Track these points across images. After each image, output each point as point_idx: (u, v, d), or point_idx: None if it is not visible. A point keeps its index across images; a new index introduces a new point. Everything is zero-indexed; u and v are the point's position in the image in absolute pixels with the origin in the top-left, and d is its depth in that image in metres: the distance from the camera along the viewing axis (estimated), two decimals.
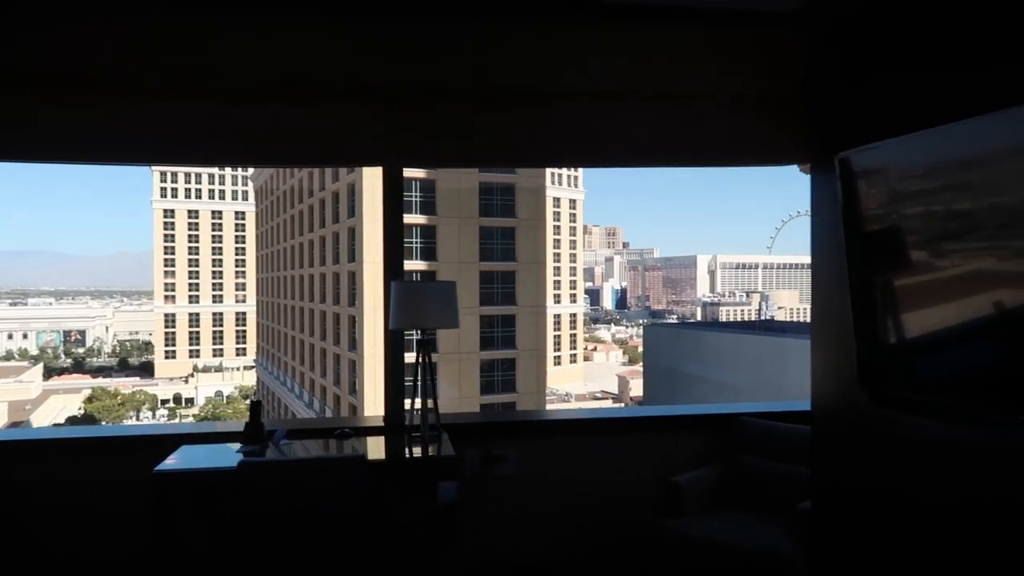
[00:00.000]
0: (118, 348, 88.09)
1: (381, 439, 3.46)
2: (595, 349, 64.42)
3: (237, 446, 3.17)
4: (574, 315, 55.94)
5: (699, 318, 71.68)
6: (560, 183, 58.63)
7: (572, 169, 55.87)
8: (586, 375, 56.62)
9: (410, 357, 3.54)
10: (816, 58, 2.62)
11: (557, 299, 54.33)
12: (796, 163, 3.75)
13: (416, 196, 33.16)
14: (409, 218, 33.04)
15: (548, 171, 49.96)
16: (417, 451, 3.20)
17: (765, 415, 3.79)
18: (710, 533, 3.19)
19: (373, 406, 28.87)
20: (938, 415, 2.05)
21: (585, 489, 3.67)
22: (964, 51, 1.95)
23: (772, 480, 3.48)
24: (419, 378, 3.28)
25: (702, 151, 3.66)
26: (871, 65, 2.34)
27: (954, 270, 1.94)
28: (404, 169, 3.64)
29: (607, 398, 52.60)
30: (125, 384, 65.53)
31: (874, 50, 2.32)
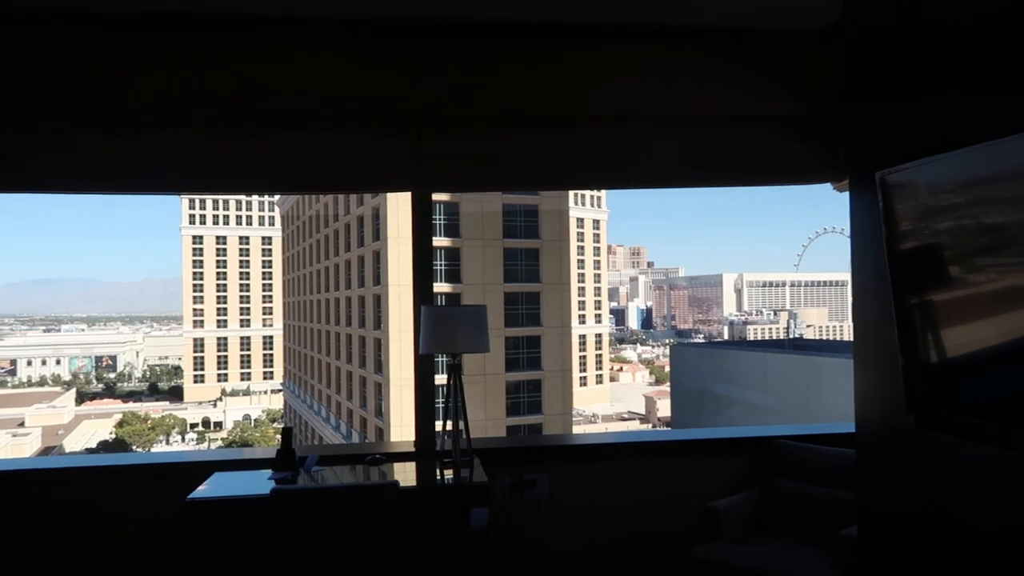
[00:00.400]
0: (148, 373, 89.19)
1: (412, 465, 3.43)
2: (621, 369, 63.99)
3: (269, 473, 3.16)
4: (599, 335, 55.66)
5: (726, 337, 70.99)
6: (583, 204, 58.65)
7: (595, 190, 55.91)
8: (612, 396, 56.17)
9: (439, 379, 3.52)
10: (853, 74, 2.57)
11: (582, 319, 54.15)
12: (830, 181, 3.70)
13: (440, 219, 33.34)
14: (434, 241, 33.17)
15: (571, 192, 50.03)
16: (449, 476, 3.16)
17: (802, 438, 3.70)
18: (750, 561, 3.11)
19: (399, 428, 28.85)
20: (986, 439, 1.98)
21: (616, 514, 3.60)
22: (1004, 66, 1.90)
23: (812, 505, 3.39)
24: (450, 402, 3.26)
25: (734, 171, 3.62)
26: (910, 81, 2.29)
27: (1004, 285, 1.88)
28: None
29: (634, 419, 52.14)
30: (155, 408, 66.23)
31: (912, 66, 2.27)
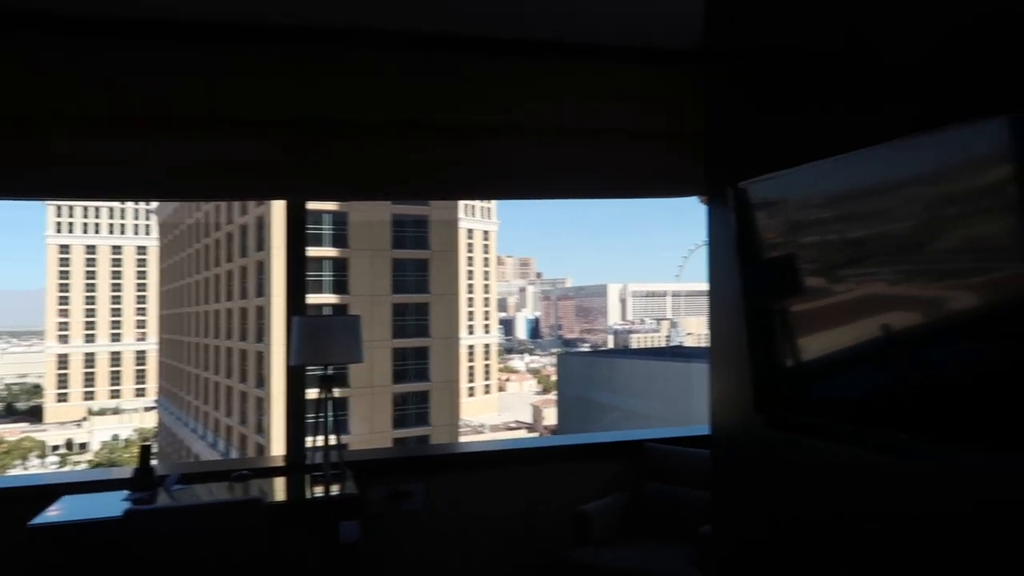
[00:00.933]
0: (5, 392, 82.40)
1: (282, 480, 3.33)
2: (508, 379, 64.50)
3: (125, 493, 2.99)
4: (488, 346, 55.92)
5: (611, 345, 72.90)
6: (474, 215, 58.87)
7: (485, 201, 56.26)
8: (500, 406, 56.48)
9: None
10: (714, 92, 2.71)
11: (471, 330, 54.20)
12: (697, 194, 3.87)
13: (328, 229, 32.64)
14: (320, 251, 32.44)
15: (461, 203, 50.12)
16: (319, 490, 3.09)
17: (671, 440, 3.85)
18: (617, 562, 3.20)
19: (281, 445, 27.86)
20: (831, 436, 2.12)
21: (494, 522, 3.63)
22: (854, 86, 2.05)
23: (678, 506, 3.53)
24: (322, 415, 3.19)
25: (611, 183, 3.73)
26: (766, 99, 2.44)
27: (846, 295, 2.02)
28: (316, 202, 3.55)
29: (521, 428, 52.56)
30: (11, 431, 61.22)
31: (769, 85, 2.42)
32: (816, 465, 2.21)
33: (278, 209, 30.35)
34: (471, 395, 50.54)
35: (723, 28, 2.67)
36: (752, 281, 2.33)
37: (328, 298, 31.91)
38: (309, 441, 3.36)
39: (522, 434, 48.39)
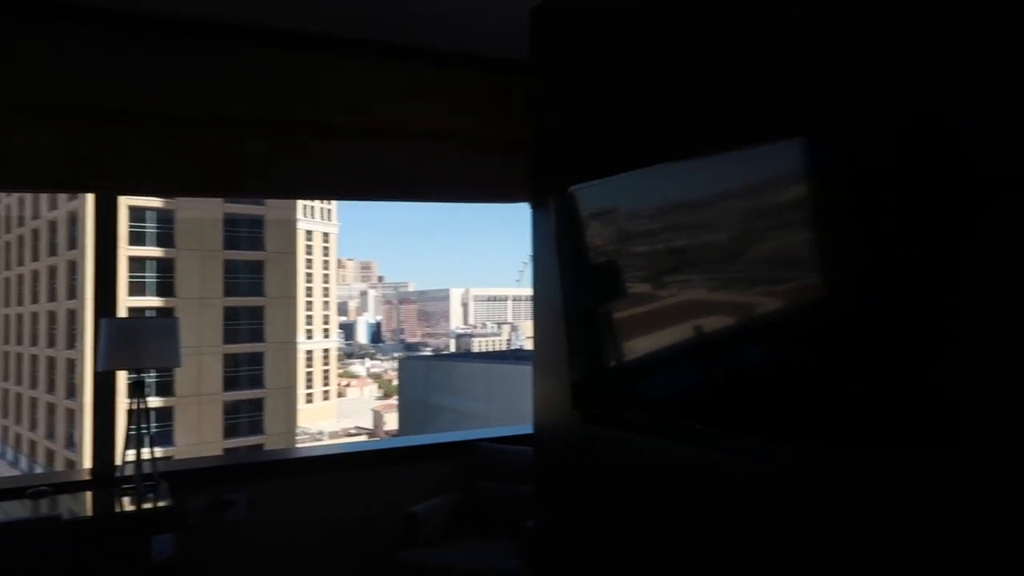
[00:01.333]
0: None
1: (89, 494, 3.10)
2: (349, 385, 63.20)
3: None
4: (327, 350, 54.52)
5: (453, 349, 73.30)
6: (313, 216, 57.18)
7: (325, 202, 54.82)
8: (341, 411, 55.20)
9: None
10: (538, 100, 2.82)
11: (309, 335, 52.61)
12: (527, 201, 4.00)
13: (152, 227, 30.56)
14: (143, 250, 30.32)
15: (300, 203, 48.53)
16: (130, 504, 2.90)
17: (501, 440, 3.95)
18: (444, 560, 3.24)
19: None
20: (644, 431, 2.26)
21: (325, 528, 3.56)
22: (674, 100, 2.19)
23: (506, 503, 3.63)
24: (133, 422, 3.00)
25: (447, 188, 3.78)
26: (587, 109, 2.57)
27: (665, 301, 2.14)
28: (140, 198, 3.34)
29: (362, 434, 51.65)
30: None
31: (590, 95, 2.55)
32: (629, 458, 2.35)
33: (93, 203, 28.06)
34: (309, 401, 49.02)
35: (548, 38, 2.79)
36: (572, 285, 2.45)
37: (152, 301, 29.87)
38: (132, 454, 3.14)
39: (363, 440, 47.55)
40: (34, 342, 34.49)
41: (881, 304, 1.53)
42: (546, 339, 2.72)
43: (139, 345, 3.00)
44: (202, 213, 32.08)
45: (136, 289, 30.00)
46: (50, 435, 32.12)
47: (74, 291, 30.32)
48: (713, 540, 2.01)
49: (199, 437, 29.44)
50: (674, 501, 2.15)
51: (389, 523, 3.60)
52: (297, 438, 36.60)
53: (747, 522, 1.91)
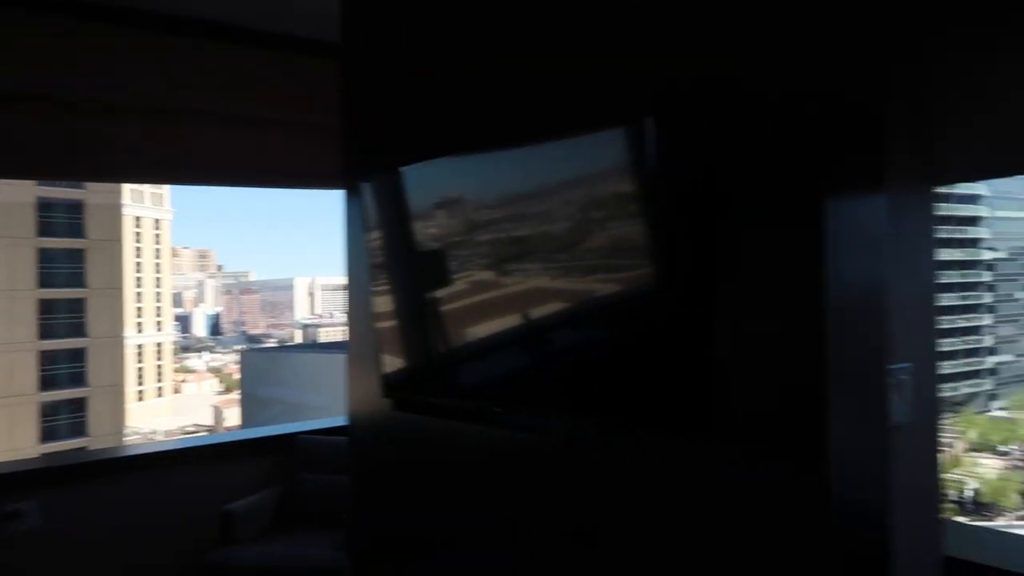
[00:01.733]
0: None
1: None
2: (185, 380, 59.75)
3: None
4: (160, 344, 51.23)
5: (299, 340, 71.00)
6: (142, 201, 53.35)
7: (157, 186, 51.29)
8: (177, 408, 52.12)
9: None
10: (351, 85, 2.77)
11: (140, 328, 49.20)
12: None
13: None
14: None
15: (128, 188, 45.12)
16: None
17: (324, 431, 3.87)
18: (261, 559, 3.15)
19: None
20: (452, 416, 2.28)
21: (134, 535, 3.34)
22: (493, 85, 2.19)
23: (329, 494, 3.57)
24: None
25: (264, 173, 3.66)
26: (398, 94, 2.54)
27: (457, 290, 2.15)
28: None
29: (201, 431, 49.04)
30: None
31: (401, 81, 2.52)
32: (441, 443, 2.37)
33: None
34: (141, 399, 45.94)
35: (360, 17, 2.74)
36: (383, 273, 2.42)
37: None
38: None
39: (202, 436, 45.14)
40: None
41: (659, 294, 1.62)
42: (359, 329, 2.68)
43: None
44: (9, 196, 29.10)
45: None
46: None
47: None
48: (520, 517, 2.07)
49: (9, 443, 26.80)
50: (480, 482, 2.20)
51: (204, 524, 3.44)
52: (128, 438, 34.20)
53: (551, 498, 1.98)
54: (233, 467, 3.70)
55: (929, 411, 1.71)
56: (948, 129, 1.82)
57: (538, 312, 1.91)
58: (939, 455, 1.81)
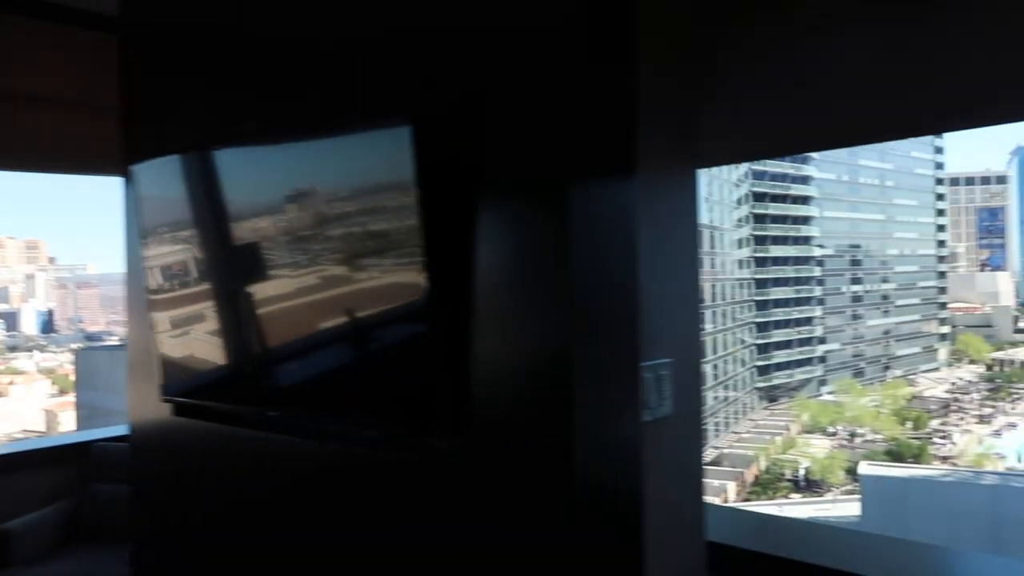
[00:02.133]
0: None
1: None
2: (13, 383, 54.74)
3: None
4: None
5: None
6: None
7: None
8: (3, 414, 47.70)
9: None
10: (131, 63, 2.56)
11: None
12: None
13: None
14: None
15: None
16: None
17: (122, 438, 3.60)
18: None
19: None
20: (223, 419, 2.15)
21: None
22: (273, 74, 2.06)
23: (123, 506, 3.32)
24: None
25: (32, 157, 3.33)
26: (170, 79, 2.37)
27: (208, 291, 2.01)
28: None
29: (30, 438, 45.16)
30: None
31: (181, 63, 2.35)
32: (219, 449, 2.24)
33: None
34: None
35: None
36: (150, 271, 2.26)
37: None
38: None
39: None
40: None
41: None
42: (137, 329, 2.49)
43: None
44: None
45: None
46: None
47: None
48: (296, 518, 1.99)
49: None
50: (258, 487, 2.10)
51: None
52: None
53: (326, 499, 1.91)
54: (17, 480, 3.37)
55: (691, 404, 1.77)
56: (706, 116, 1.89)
57: (304, 316, 1.83)
58: (701, 445, 1.88)
